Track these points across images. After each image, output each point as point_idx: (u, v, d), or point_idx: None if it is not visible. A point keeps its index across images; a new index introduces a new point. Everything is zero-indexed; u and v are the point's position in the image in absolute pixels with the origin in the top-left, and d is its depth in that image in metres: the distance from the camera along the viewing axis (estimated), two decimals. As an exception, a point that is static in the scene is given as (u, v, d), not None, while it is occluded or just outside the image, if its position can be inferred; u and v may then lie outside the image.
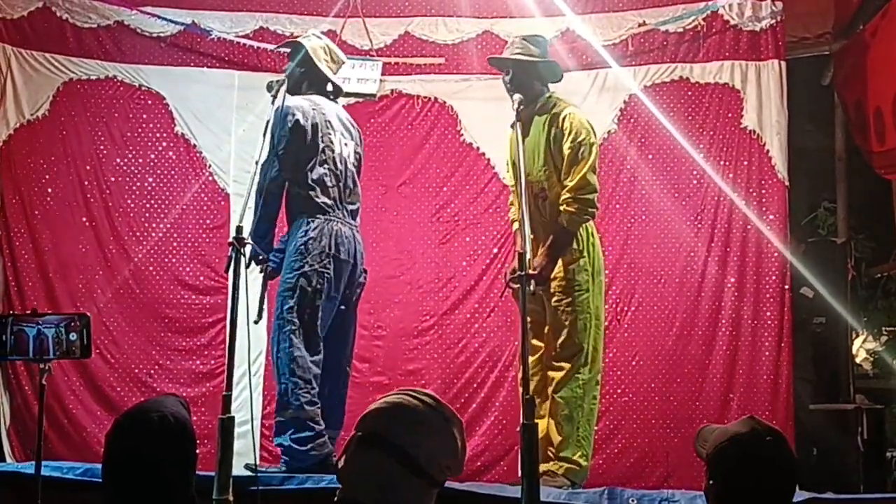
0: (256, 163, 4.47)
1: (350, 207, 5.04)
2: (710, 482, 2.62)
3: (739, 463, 2.57)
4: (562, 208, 4.90)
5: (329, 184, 4.93)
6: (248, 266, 4.12)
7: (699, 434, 2.79)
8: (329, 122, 5.01)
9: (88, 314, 3.84)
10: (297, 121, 4.87)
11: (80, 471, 4.55)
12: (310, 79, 5.12)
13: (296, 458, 4.75)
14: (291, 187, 4.92)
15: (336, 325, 5.02)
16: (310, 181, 4.88)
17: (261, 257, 4.81)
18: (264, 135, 4.67)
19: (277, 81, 4.89)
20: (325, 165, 4.93)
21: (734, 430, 2.66)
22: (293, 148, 4.87)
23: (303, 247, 4.83)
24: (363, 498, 2.05)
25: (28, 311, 3.86)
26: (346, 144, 5.08)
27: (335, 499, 2.11)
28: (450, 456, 2.12)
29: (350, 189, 5.05)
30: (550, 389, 4.96)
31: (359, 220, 5.13)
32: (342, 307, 5.02)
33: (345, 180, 5.02)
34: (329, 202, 4.91)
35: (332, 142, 4.98)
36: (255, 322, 4.68)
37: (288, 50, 5.31)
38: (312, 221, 4.86)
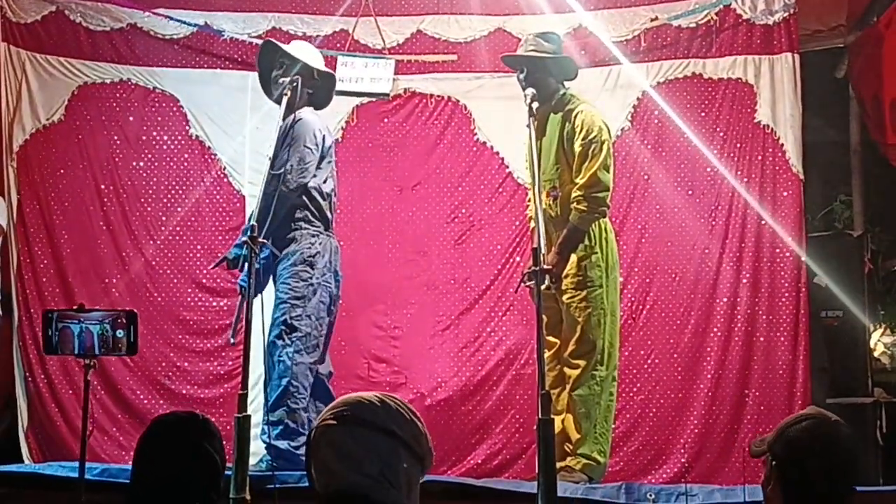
0: (269, 158, 4.57)
1: (332, 223, 5.16)
2: (773, 463, 2.60)
3: (806, 443, 2.57)
4: (572, 206, 4.91)
5: (333, 199, 5.09)
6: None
7: (753, 443, 2.79)
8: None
9: (135, 311, 3.83)
10: (324, 136, 5.03)
11: (98, 471, 4.57)
12: (308, 97, 5.20)
13: (286, 458, 4.78)
14: (297, 198, 4.95)
15: (327, 336, 5.12)
16: (324, 193, 4.96)
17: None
18: (278, 139, 4.75)
19: (286, 85, 4.98)
20: (332, 180, 5.06)
21: (796, 415, 2.69)
22: (318, 160, 4.99)
23: (311, 259, 4.93)
24: (362, 479, 2.05)
25: (74, 307, 3.85)
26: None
27: (325, 483, 2.10)
28: (428, 444, 2.17)
29: (335, 203, 5.16)
30: (568, 387, 4.96)
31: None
32: (331, 318, 5.12)
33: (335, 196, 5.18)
34: (330, 216, 5.06)
35: (333, 158, 5.14)
36: (232, 344, 4.83)
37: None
38: (317, 236, 4.95)
